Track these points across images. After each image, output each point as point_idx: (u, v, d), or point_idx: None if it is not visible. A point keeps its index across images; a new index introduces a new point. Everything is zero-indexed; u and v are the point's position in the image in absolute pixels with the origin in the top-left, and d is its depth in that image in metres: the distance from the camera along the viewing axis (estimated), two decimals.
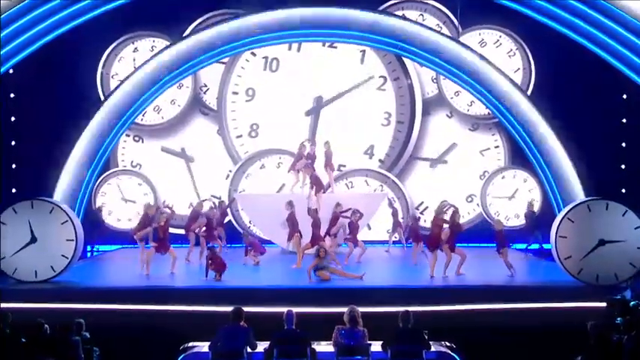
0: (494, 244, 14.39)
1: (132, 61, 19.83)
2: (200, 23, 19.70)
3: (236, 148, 20.49)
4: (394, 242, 18.56)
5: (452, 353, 10.23)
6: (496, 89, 16.24)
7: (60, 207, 13.86)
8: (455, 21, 19.99)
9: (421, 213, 20.38)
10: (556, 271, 14.02)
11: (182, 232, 16.67)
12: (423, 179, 20.57)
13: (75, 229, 13.69)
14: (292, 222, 15.66)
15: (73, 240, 13.64)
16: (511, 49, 20.16)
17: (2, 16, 14.67)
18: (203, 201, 17.32)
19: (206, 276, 13.73)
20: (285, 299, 11.82)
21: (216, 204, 17.66)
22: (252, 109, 20.50)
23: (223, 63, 19.97)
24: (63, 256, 13.58)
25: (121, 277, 14.88)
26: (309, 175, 17.48)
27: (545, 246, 16.81)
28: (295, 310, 9.86)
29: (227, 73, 20.37)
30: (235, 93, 20.53)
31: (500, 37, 20.20)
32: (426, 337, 9.71)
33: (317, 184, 17.33)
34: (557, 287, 13.28)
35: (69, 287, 13.26)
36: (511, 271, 14.03)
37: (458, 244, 14.20)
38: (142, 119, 19.83)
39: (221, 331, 9.64)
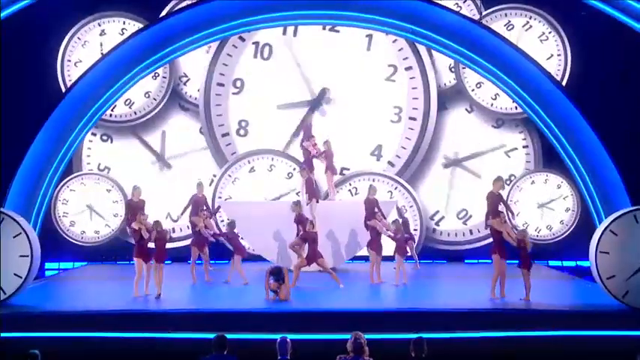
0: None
1: (98, 46, 19.88)
2: (179, 2, 19.69)
3: (222, 148, 20.43)
4: (405, 258, 18.39)
5: None
6: (525, 79, 16.13)
7: (12, 217, 13.73)
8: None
9: (436, 224, 20.26)
10: (597, 293, 13.90)
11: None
12: (439, 185, 20.53)
13: (30, 243, 13.61)
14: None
15: (27, 256, 13.56)
16: (543, 33, 20.14)
17: None
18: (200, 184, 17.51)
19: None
20: (278, 325, 11.83)
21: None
22: (241, 103, 20.48)
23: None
24: (15, 275, 13.48)
25: (85, 299, 14.70)
26: (304, 179, 17.33)
27: (584, 263, 16.66)
28: (290, 337, 9.74)
29: (211, 61, 20.28)
30: (221, 84, 20.48)
31: (530, 18, 20.22)
32: None
33: (310, 191, 17.19)
34: (598, 312, 13.14)
35: (22, 312, 13.09)
36: (525, 293, 13.82)
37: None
38: (110, 115, 19.75)
39: None
